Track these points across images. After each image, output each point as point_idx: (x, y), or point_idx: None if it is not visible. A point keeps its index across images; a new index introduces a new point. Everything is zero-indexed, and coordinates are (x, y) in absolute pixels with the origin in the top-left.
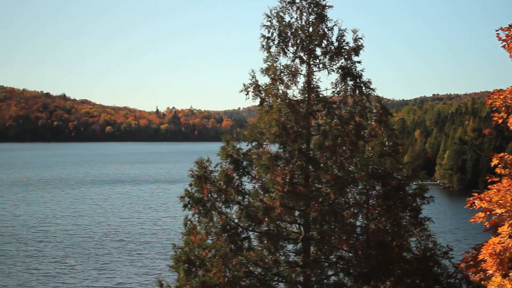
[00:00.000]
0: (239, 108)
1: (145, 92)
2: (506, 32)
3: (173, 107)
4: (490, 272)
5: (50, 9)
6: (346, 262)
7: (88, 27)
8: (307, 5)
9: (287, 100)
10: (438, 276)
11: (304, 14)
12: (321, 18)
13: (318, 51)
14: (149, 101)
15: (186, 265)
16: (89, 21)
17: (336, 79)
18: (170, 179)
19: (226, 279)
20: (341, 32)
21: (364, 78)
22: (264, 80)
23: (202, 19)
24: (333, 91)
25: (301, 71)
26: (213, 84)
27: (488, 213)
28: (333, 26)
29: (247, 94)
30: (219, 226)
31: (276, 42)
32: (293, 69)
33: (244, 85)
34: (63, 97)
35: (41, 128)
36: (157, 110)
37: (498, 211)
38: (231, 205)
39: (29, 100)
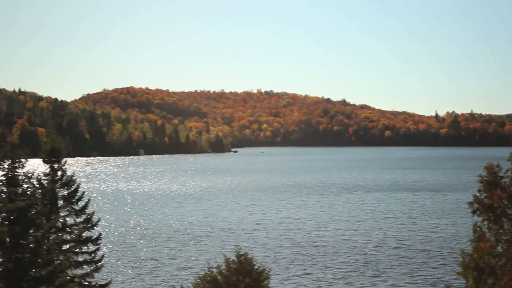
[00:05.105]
0: None
1: (424, 97)
2: None
3: (453, 112)
4: None
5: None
6: None
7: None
8: None
9: None
10: None
11: None
12: None
13: None
14: (428, 106)
15: (475, 272)
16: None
17: None
18: (447, 185)
19: None
20: None
21: None
22: None
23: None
24: None
25: None
26: (494, 87)
27: None
28: None
29: None
30: (510, 234)
31: None
32: None
33: None
34: (343, 102)
35: (322, 133)
36: (437, 115)
37: None
38: None
39: (311, 105)
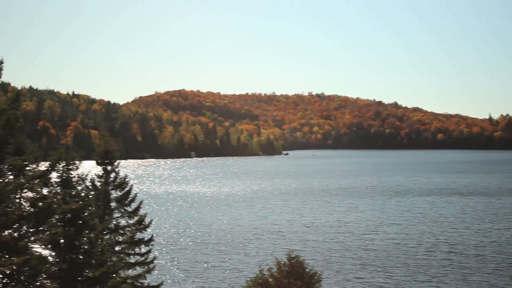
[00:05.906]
0: None
1: (478, 99)
2: None
3: (507, 114)
4: None
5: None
6: None
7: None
8: None
9: None
10: None
11: None
12: None
13: None
14: (482, 108)
15: None
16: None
17: None
18: (501, 189)
19: None
20: None
21: None
22: None
23: None
24: None
25: None
26: None
27: None
28: None
29: None
30: None
31: None
32: None
33: None
34: (395, 105)
35: (373, 136)
36: (490, 117)
37: None
38: None
39: (362, 108)
